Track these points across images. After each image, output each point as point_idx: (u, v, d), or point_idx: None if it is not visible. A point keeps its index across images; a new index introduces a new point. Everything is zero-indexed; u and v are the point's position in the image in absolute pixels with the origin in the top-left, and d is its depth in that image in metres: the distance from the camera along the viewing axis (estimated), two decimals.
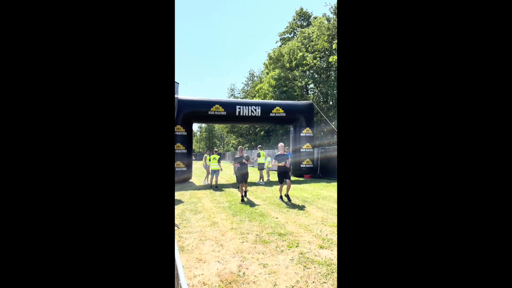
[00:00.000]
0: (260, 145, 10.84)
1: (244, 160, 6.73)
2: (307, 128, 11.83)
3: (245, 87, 36.07)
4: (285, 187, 6.47)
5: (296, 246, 3.33)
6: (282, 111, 11.53)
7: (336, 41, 17.90)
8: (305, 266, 2.75)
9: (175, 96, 8.12)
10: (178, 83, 8.51)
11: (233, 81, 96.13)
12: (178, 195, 7.47)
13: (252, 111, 11.20)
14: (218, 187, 9.01)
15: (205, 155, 10.38)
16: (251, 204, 6.06)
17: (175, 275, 1.57)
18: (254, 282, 2.45)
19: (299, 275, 2.57)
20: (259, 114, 11.27)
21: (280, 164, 6.30)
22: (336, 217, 4.79)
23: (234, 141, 33.76)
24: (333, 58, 17.00)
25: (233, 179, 10.65)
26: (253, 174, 12.33)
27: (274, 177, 12.29)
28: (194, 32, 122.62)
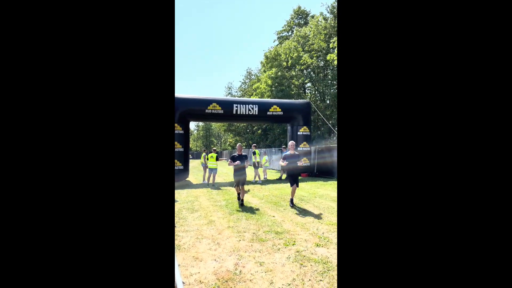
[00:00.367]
0: (255, 144, 10.82)
1: (245, 164, 5.84)
2: (304, 127, 11.85)
3: (243, 86, 36.02)
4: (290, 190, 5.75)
5: (293, 244, 3.34)
6: (280, 109, 11.54)
7: (333, 39, 17.92)
8: (302, 264, 2.76)
9: None
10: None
11: (230, 79, 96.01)
12: (175, 193, 7.45)
13: (249, 110, 11.19)
14: (215, 186, 9.01)
15: (203, 153, 10.38)
16: (248, 202, 6.06)
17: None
18: (250, 280, 2.46)
19: (295, 273, 2.58)
20: (257, 113, 11.27)
21: (285, 165, 5.44)
22: (333, 215, 4.81)
23: (231, 140, 33.73)
24: (331, 56, 17.03)
25: (230, 177, 10.65)
26: (249, 173, 12.32)
27: (271, 176, 12.31)
28: (190, 29, 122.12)
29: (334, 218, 4.60)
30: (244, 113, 11.15)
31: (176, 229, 4.08)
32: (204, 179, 9.99)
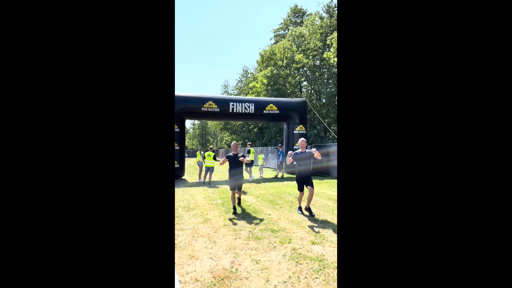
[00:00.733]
0: (250, 142, 10.81)
1: (245, 161, 5.18)
2: (300, 126, 11.88)
3: (239, 84, 35.92)
4: (305, 196, 4.98)
5: (289, 242, 3.36)
6: (276, 108, 11.54)
7: (329, 37, 17.96)
8: (297, 262, 2.78)
9: None
10: None
11: (227, 77, 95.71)
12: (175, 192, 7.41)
13: (245, 108, 11.17)
14: (211, 184, 8.99)
15: (199, 152, 10.34)
16: (244, 201, 6.07)
17: None
18: (246, 278, 2.46)
19: (291, 270, 2.59)
20: (253, 111, 11.25)
21: (292, 164, 4.70)
22: (328, 213, 4.84)
23: (227, 138, 33.66)
24: (327, 55, 17.05)
25: (226, 176, 10.61)
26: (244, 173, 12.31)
27: (268, 174, 12.33)
28: (186, 26, 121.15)
29: (329, 216, 4.63)
30: (240, 111, 11.13)
31: None
32: (200, 178, 9.96)
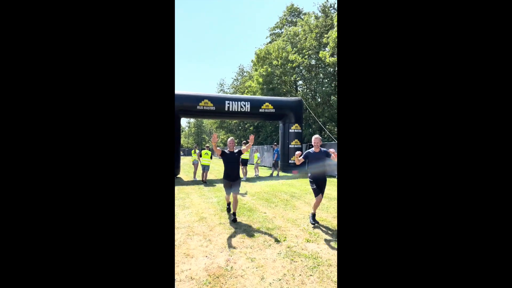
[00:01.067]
0: (245, 141, 10.81)
1: (245, 148, 4.55)
2: (296, 124, 11.92)
3: (235, 82, 35.82)
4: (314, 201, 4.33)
5: (284, 240, 3.38)
6: (272, 107, 11.55)
7: (325, 36, 18.00)
8: (292, 260, 2.80)
9: None
10: None
11: (222, 75, 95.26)
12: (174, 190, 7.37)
13: (241, 107, 11.15)
14: (207, 183, 8.98)
15: (194, 150, 10.29)
16: (240, 199, 6.07)
17: None
18: (241, 276, 2.47)
19: (286, 268, 2.61)
20: (249, 110, 11.25)
21: (301, 163, 4.17)
22: (323, 211, 4.88)
23: (223, 137, 33.57)
24: (322, 54, 17.10)
25: (222, 174, 10.61)
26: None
27: (263, 172, 12.34)
28: (183, 25, 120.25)
29: (324, 214, 4.67)
30: (236, 110, 11.11)
31: None
32: (194, 177, 9.93)
